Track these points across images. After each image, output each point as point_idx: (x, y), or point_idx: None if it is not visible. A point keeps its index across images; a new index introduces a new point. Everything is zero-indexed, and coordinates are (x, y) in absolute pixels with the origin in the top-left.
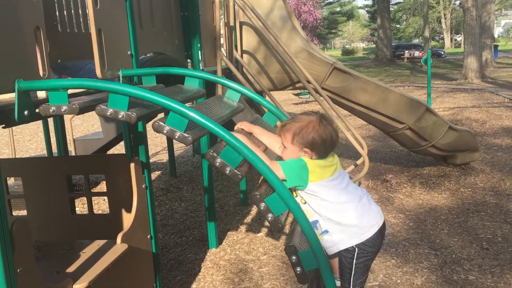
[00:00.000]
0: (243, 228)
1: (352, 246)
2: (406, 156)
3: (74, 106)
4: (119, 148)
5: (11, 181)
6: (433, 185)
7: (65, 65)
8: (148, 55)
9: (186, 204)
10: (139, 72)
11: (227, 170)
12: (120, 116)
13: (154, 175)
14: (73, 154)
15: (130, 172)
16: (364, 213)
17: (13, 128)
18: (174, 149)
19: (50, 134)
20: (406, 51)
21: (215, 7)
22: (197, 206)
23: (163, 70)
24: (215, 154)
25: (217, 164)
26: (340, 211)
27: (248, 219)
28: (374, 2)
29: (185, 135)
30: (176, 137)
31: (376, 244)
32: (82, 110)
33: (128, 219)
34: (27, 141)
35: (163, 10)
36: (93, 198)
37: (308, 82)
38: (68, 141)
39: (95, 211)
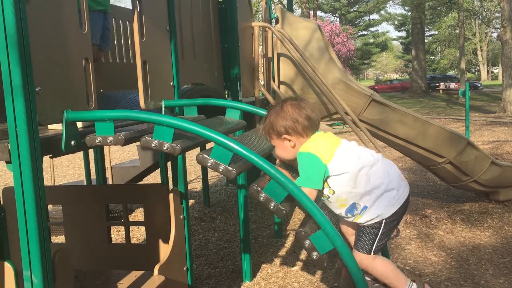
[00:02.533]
0: (277, 261)
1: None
2: (445, 191)
3: (120, 137)
4: (154, 175)
5: (49, 206)
6: (475, 222)
7: (107, 94)
8: (185, 86)
9: (220, 234)
10: (181, 103)
11: (272, 205)
12: (164, 148)
13: None
14: (110, 181)
15: (168, 202)
16: (390, 173)
17: None
18: (208, 178)
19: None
20: (441, 83)
21: (254, 39)
22: (231, 236)
23: (204, 101)
24: (259, 189)
25: (261, 199)
26: (368, 178)
27: (283, 251)
28: (408, 34)
29: (229, 168)
30: (220, 170)
31: (406, 206)
32: (128, 141)
33: (165, 250)
34: (65, 166)
35: (204, 42)
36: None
37: (346, 113)
38: (105, 168)
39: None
